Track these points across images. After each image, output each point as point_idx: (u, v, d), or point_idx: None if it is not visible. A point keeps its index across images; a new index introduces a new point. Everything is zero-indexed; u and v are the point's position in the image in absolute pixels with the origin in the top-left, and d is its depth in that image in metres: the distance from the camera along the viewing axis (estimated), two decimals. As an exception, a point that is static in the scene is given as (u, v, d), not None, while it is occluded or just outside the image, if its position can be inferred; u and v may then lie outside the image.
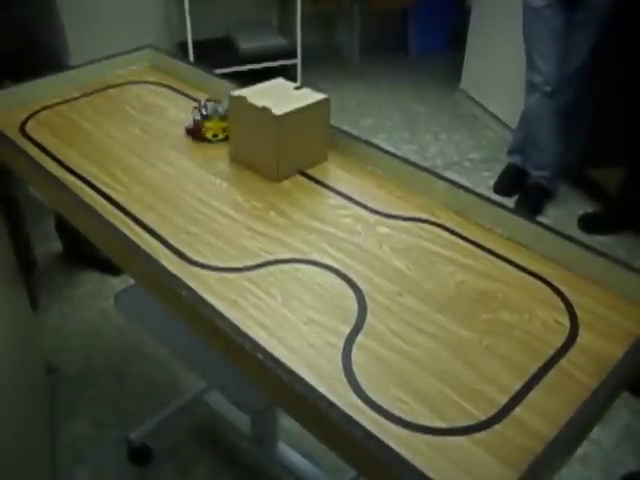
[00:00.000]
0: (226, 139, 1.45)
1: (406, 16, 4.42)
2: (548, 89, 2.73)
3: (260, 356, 0.90)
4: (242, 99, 1.33)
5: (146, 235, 1.18)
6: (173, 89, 1.72)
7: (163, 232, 1.19)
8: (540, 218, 2.84)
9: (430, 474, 0.76)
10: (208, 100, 1.50)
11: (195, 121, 1.47)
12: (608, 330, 1.01)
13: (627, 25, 2.67)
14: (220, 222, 1.23)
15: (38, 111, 1.58)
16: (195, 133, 1.48)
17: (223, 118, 1.45)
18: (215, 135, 1.46)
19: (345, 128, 1.47)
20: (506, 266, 1.14)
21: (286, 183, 1.35)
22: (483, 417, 0.86)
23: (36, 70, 1.69)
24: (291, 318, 1.01)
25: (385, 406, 0.87)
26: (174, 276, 1.06)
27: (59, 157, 1.40)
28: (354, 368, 0.93)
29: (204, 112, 1.46)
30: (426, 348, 0.97)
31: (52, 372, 2.10)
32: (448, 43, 4.46)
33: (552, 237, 1.15)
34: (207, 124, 1.46)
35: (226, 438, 1.93)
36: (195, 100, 1.65)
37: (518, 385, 0.91)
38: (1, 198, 1.74)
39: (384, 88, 4.11)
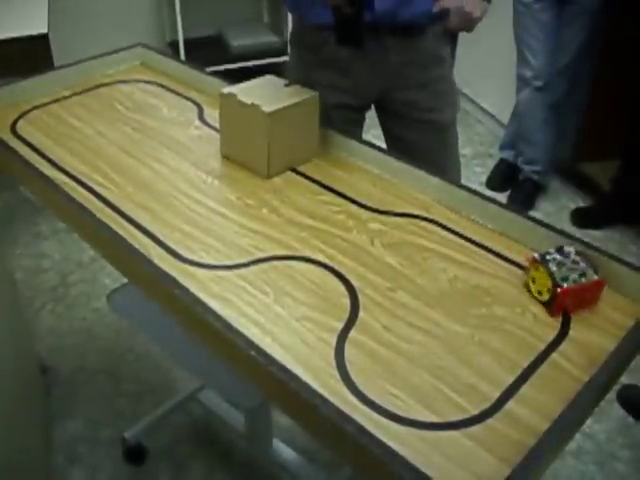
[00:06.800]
0: (549, 301, 1.04)
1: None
2: (539, 84, 2.74)
3: (253, 353, 0.90)
4: (232, 96, 1.33)
5: (139, 234, 1.18)
6: (164, 87, 1.71)
7: (155, 230, 1.19)
8: (532, 213, 2.85)
9: (424, 469, 0.77)
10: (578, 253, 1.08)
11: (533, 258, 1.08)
12: (600, 324, 1.01)
13: (617, 19, 2.68)
14: (212, 220, 1.23)
15: (29, 111, 1.58)
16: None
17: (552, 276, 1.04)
18: (539, 292, 1.06)
19: (337, 125, 1.47)
20: (498, 261, 1.14)
21: (277, 180, 1.35)
22: (476, 411, 0.86)
23: None
24: (284, 315, 1.01)
25: (378, 401, 0.87)
26: (167, 274, 1.06)
27: (50, 156, 1.39)
28: (347, 364, 0.93)
29: (548, 257, 1.07)
30: (419, 343, 0.97)
31: (46, 372, 2.09)
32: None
33: (544, 231, 1.15)
34: (535, 273, 1.07)
35: (221, 436, 1.93)
36: (186, 99, 1.65)
37: (510, 379, 0.91)
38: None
39: (376, 84, 4.10)
